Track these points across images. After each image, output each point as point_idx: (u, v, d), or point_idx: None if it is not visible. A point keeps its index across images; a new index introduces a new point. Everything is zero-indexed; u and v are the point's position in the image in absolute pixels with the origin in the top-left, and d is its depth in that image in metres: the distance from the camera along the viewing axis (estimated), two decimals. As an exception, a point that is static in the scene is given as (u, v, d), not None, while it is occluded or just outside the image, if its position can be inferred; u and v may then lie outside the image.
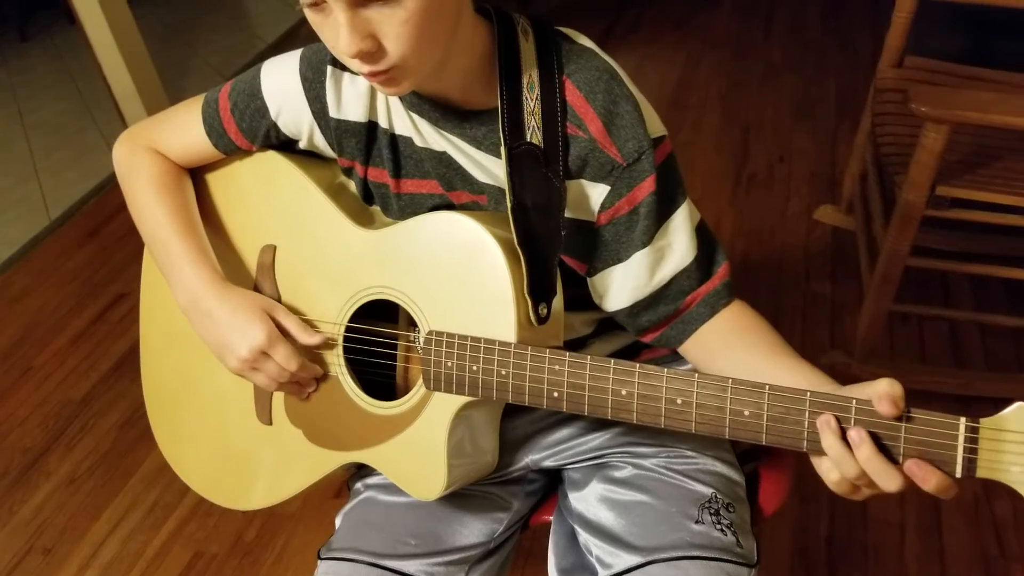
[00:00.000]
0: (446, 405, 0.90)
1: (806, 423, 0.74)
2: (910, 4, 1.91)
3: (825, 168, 2.62)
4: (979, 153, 1.71)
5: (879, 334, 1.85)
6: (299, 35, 3.91)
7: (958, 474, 0.71)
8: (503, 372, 0.84)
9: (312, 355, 0.97)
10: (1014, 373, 1.88)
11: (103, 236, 2.78)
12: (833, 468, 0.74)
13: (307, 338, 0.95)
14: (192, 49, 4.00)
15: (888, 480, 0.71)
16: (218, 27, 4.22)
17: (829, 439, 0.72)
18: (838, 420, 0.72)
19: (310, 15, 0.77)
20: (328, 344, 0.96)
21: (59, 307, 2.51)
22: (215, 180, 1.06)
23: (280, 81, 0.95)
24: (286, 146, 1.01)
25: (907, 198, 1.60)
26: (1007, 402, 1.98)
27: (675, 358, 1.02)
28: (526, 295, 0.84)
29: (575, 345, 1.01)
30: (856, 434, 0.71)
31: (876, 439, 0.72)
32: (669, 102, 3.05)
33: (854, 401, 0.72)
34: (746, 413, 0.76)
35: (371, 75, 0.78)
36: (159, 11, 4.48)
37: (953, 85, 1.95)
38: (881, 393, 0.70)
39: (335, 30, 0.75)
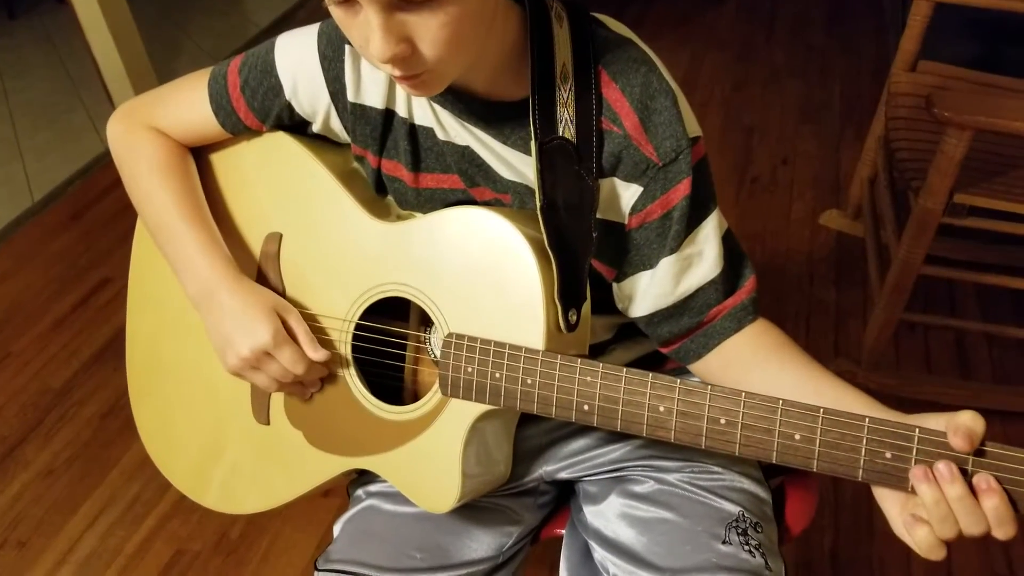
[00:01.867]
0: (463, 413, 0.84)
1: (863, 450, 0.69)
2: (926, 8, 1.86)
3: (829, 172, 2.58)
4: (995, 161, 1.67)
5: (887, 343, 1.81)
6: (293, 20, 3.84)
7: None
8: (528, 381, 0.79)
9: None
10: (1021, 386, 1.84)
11: (88, 219, 2.70)
12: (918, 525, 0.69)
13: (314, 352, 0.89)
14: (184, 32, 3.92)
15: (975, 523, 0.67)
16: (211, 10, 4.14)
17: (932, 494, 0.67)
18: (900, 451, 0.67)
19: (337, 12, 0.70)
20: (336, 343, 0.90)
21: (41, 291, 2.44)
22: (219, 160, 0.99)
23: (297, 58, 0.89)
24: (297, 128, 0.95)
25: (925, 205, 1.56)
26: (1015, 416, 1.94)
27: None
28: (556, 300, 0.79)
29: (595, 351, 0.96)
30: (945, 468, 0.66)
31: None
32: (670, 102, 3.00)
33: (917, 430, 0.67)
34: (797, 437, 0.71)
35: (402, 78, 0.72)
36: (150, -8, 4.39)
37: (968, 91, 1.91)
38: (959, 424, 0.65)
39: (365, 31, 0.68)
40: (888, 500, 0.71)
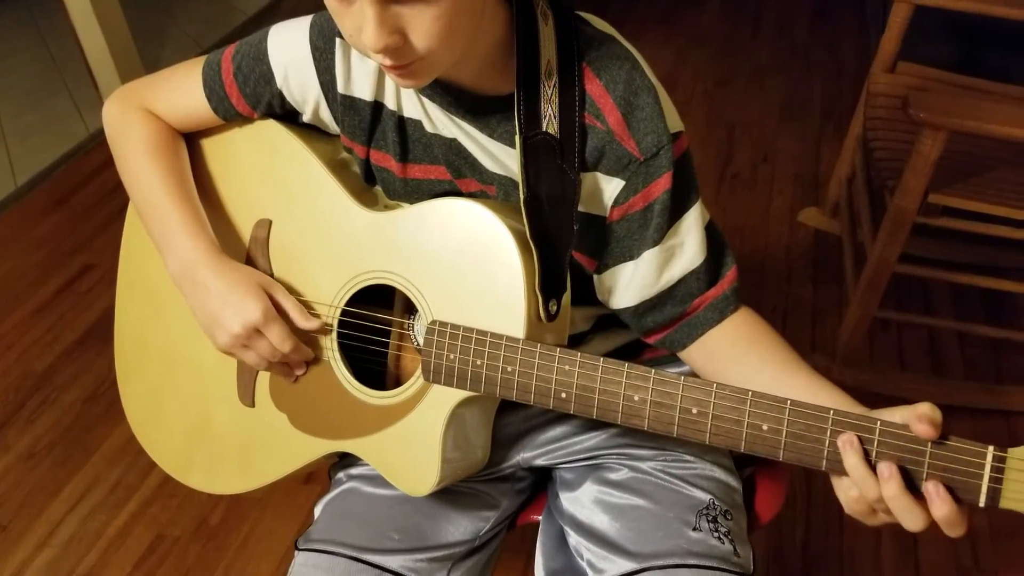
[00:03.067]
0: (444, 399, 0.86)
1: (827, 442, 0.72)
2: (906, 9, 1.90)
3: (809, 169, 2.61)
4: (969, 162, 1.70)
5: (862, 340, 1.84)
6: (280, 9, 3.83)
7: (981, 503, 0.69)
8: (509, 369, 0.81)
9: (305, 337, 0.93)
10: (992, 384, 1.88)
11: (72, 204, 2.69)
12: (852, 487, 0.72)
13: (305, 322, 0.91)
14: (170, 17, 3.91)
15: (912, 519, 0.69)
16: (196, -5, 4.14)
17: (852, 459, 0.70)
18: (861, 441, 0.70)
19: (330, 2, 0.72)
20: (322, 328, 0.92)
21: (23, 276, 2.44)
22: (210, 147, 1.01)
23: (289, 48, 0.91)
24: (288, 118, 0.97)
25: (899, 204, 1.59)
26: (985, 413, 1.97)
27: (675, 359, 0.99)
28: (537, 290, 0.81)
29: (574, 341, 0.98)
30: (886, 469, 0.69)
31: (904, 472, 0.69)
32: (654, 97, 3.02)
33: (879, 422, 0.70)
34: (764, 428, 0.74)
35: (391, 68, 0.74)
36: (136, -23, 4.37)
37: (945, 93, 1.94)
38: (922, 414, 0.68)
39: (358, 21, 0.70)
40: (843, 484, 0.74)
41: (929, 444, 0.69)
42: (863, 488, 0.70)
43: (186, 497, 1.79)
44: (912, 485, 0.70)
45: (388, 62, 0.73)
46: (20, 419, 2.01)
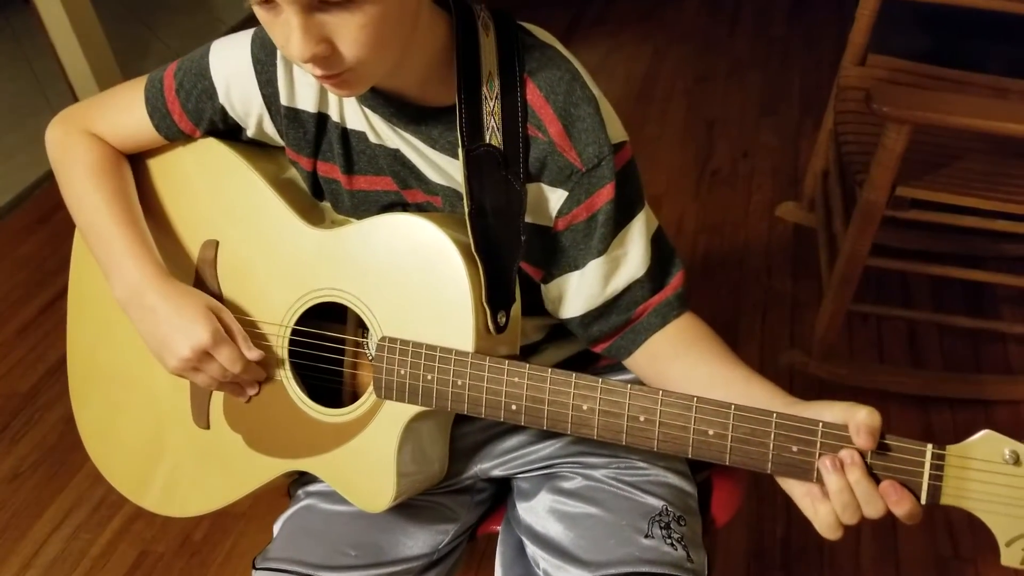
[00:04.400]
0: (397, 414, 0.86)
1: (772, 445, 0.73)
2: (873, 2, 1.89)
3: (788, 164, 2.61)
4: (939, 153, 1.70)
5: (838, 334, 1.84)
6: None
7: (923, 501, 0.70)
8: (459, 383, 0.82)
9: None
10: (971, 374, 1.88)
11: (54, 223, 2.70)
12: (821, 501, 0.73)
13: (249, 353, 0.91)
14: (151, 31, 3.91)
15: (873, 506, 0.70)
16: (178, 8, 4.13)
17: (838, 483, 0.71)
18: (841, 461, 0.71)
19: (260, 12, 0.72)
20: (273, 347, 0.93)
21: (7, 296, 2.44)
22: (156, 168, 1.01)
23: (230, 62, 0.91)
24: (232, 135, 0.97)
25: (867, 198, 1.59)
26: (964, 403, 1.97)
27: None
28: (484, 303, 0.81)
29: (527, 351, 0.98)
30: (848, 455, 0.70)
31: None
32: (635, 96, 3.02)
33: (820, 425, 0.71)
34: (710, 433, 0.74)
35: (323, 78, 0.74)
36: (118, -9, 4.37)
37: (915, 84, 1.95)
38: (860, 423, 0.69)
39: (286, 31, 0.70)
40: (793, 482, 0.75)
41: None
42: (841, 507, 0.71)
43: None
44: None
45: (319, 72, 0.73)
46: (4, 440, 2.01)
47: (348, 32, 0.70)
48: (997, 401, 1.81)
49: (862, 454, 0.70)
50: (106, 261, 0.94)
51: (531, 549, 0.94)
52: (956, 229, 1.76)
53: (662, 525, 0.90)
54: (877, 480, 0.71)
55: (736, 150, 2.70)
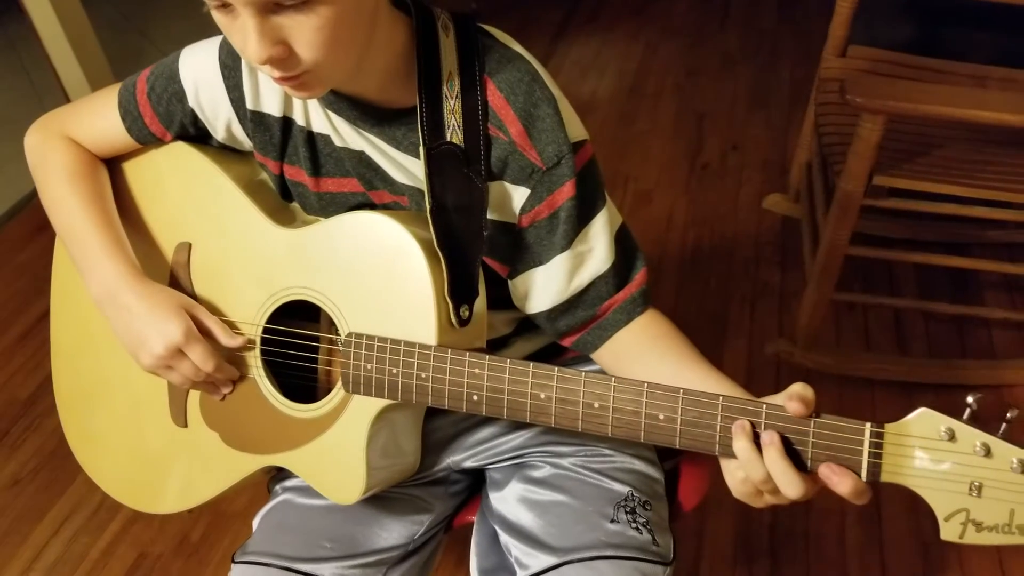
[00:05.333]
0: (366, 408, 0.89)
1: (718, 427, 0.75)
2: (853, -7, 1.91)
3: (777, 157, 2.62)
4: (918, 142, 1.72)
5: (823, 323, 1.86)
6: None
7: (864, 478, 0.72)
8: (423, 375, 0.84)
9: (230, 356, 0.96)
10: (956, 359, 1.90)
11: (52, 232, 2.69)
12: (739, 468, 0.74)
13: (228, 340, 0.93)
14: (146, 38, 3.94)
15: (790, 485, 0.72)
16: (172, 16, 4.15)
17: (741, 442, 0.73)
18: (753, 426, 0.73)
19: (217, 17, 0.74)
20: (246, 345, 0.95)
21: (6, 304, 2.47)
22: (130, 172, 1.04)
23: (199, 66, 0.93)
24: (202, 139, 0.99)
25: (845, 188, 1.61)
26: (948, 388, 1.98)
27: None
28: (447, 297, 0.83)
29: (497, 345, 1.00)
30: (767, 436, 0.72)
31: (787, 443, 0.72)
32: (627, 91, 3.04)
33: (764, 405, 0.73)
34: (661, 417, 0.77)
35: (281, 80, 0.76)
36: None
37: (896, 75, 1.96)
38: (792, 392, 0.71)
39: (243, 34, 0.72)
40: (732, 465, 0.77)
41: (812, 424, 0.72)
42: (749, 469, 0.73)
43: (168, 516, 1.83)
44: (800, 463, 0.73)
45: (276, 73, 0.75)
46: (5, 446, 2.04)
47: (303, 34, 0.72)
48: (981, 385, 1.82)
49: (805, 437, 0.72)
50: (82, 261, 0.97)
51: (504, 537, 0.96)
52: (940, 217, 1.77)
53: (627, 510, 0.92)
54: (805, 467, 0.73)
55: (726, 143, 2.72)
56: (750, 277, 2.20)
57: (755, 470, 0.72)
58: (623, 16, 3.55)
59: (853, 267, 1.76)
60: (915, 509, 1.63)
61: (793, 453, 0.73)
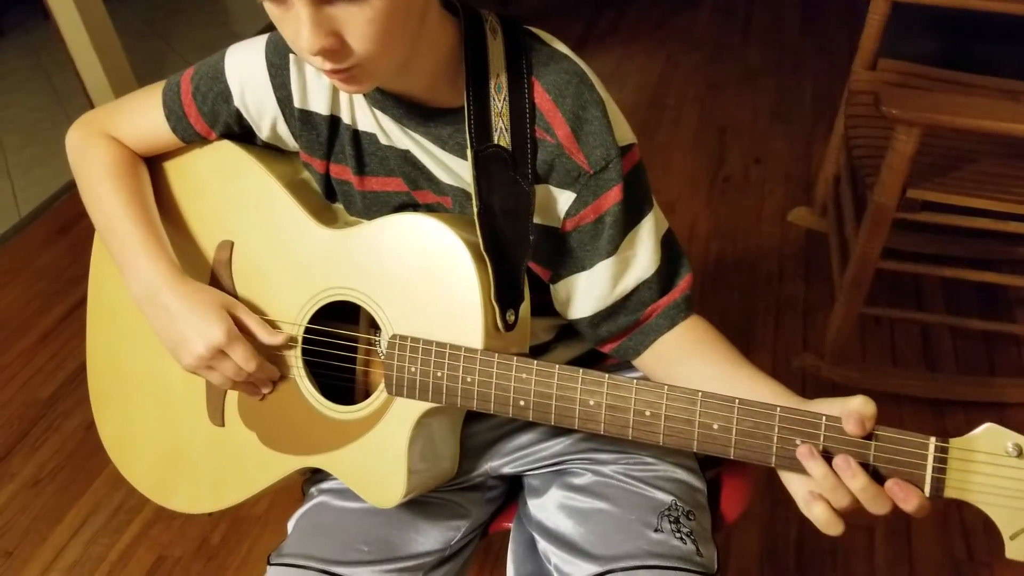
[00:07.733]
0: (408, 411, 0.88)
1: (775, 438, 0.73)
2: (884, 6, 1.90)
3: (800, 170, 2.61)
4: (951, 156, 1.71)
5: (850, 337, 1.85)
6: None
7: (927, 494, 0.70)
8: (468, 379, 0.83)
9: (270, 356, 0.95)
10: (985, 377, 1.88)
11: (73, 234, 2.74)
12: (816, 501, 0.73)
13: (269, 337, 0.93)
14: (169, 45, 3.97)
15: (880, 506, 0.71)
16: (195, 23, 4.19)
17: (820, 469, 0.71)
18: (818, 448, 0.72)
19: (270, 8, 0.74)
20: (287, 345, 0.94)
21: (27, 305, 2.48)
22: (172, 171, 1.03)
23: (245, 65, 0.93)
24: (246, 138, 0.99)
25: (878, 201, 1.59)
26: (977, 406, 1.96)
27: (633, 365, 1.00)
28: (493, 301, 0.82)
29: (537, 351, 0.99)
30: (843, 462, 0.70)
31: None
32: (647, 103, 3.04)
33: (824, 418, 0.72)
34: (715, 427, 0.75)
35: (332, 72, 0.76)
36: (136, 6, 4.43)
37: (926, 88, 1.95)
38: (851, 411, 0.70)
39: (296, 25, 0.72)
40: (794, 482, 0.75)
41: (874, 438, 0.70)
42: (833, 495, 0.72)
43: (187, 518, 1.82)
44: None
45: (328, 66, 0.75)
46: (25, 447, 2.04)
47: (356, 26, 0.72)
48: (1011, 404, 1.80)
49: (866, 451, 0.71)
50: (122, 260, 0.96)
51: (542, 544, 0.95)
52: (969, 232, 1.76)
53: (671, 519, 0.91)
54: (881, 479, 0.71)
55: (748, 156, 2.71)
56: (773, 290, 2.19)
57: (841, 498, 0.71)
58: (643, 29, 3.56)
59: (879, 282, 1.74)
60: (946, 527, 1.61)
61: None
